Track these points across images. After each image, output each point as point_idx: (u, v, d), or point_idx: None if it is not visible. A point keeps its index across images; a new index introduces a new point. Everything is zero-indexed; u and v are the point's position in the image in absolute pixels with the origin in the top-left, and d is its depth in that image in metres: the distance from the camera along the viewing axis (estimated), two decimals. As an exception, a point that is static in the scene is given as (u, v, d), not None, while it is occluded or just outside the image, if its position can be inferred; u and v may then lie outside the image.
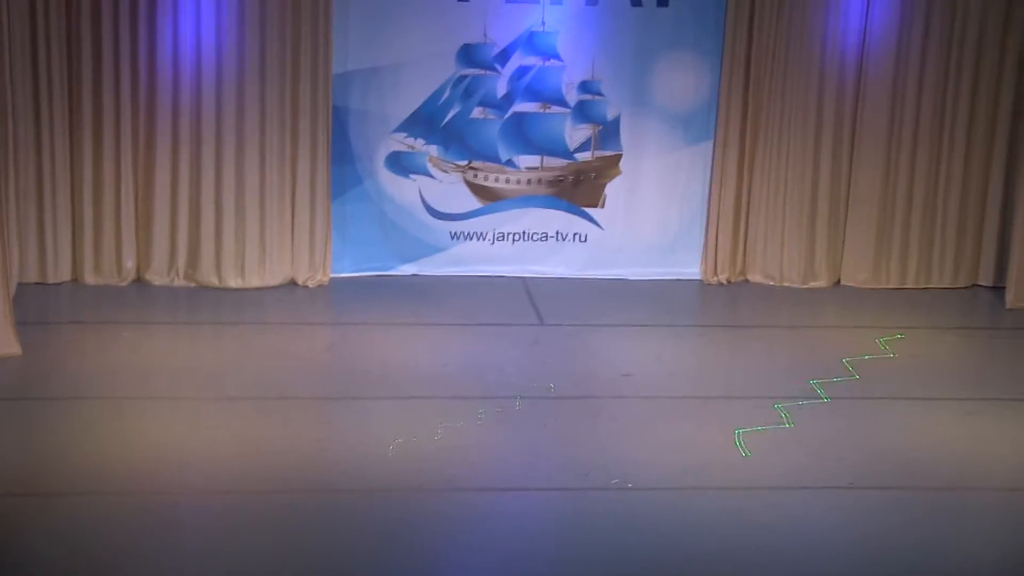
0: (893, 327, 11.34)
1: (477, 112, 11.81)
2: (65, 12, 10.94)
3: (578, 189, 12.08)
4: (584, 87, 11.86)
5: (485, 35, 11.64)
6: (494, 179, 11.97)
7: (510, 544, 7.90)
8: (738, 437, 9.07)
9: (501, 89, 11.78)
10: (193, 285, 11.54)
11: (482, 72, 11.73)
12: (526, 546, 7.89)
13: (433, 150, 11.84)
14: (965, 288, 12.31)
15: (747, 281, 12.23)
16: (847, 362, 10.52)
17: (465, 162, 11.91)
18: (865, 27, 11.75)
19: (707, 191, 12.10)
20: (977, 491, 8.68)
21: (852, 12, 11.72)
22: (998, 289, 12.14)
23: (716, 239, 12.12)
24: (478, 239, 12.08)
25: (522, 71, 11.77)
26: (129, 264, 11.50)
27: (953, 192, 12.09)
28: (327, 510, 8.15)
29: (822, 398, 9.86)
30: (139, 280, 11.53)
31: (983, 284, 12.34)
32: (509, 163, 11.94)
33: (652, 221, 12.22)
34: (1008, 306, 11.86)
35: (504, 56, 11.71)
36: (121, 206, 11.36)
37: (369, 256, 11.97)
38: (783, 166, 11.97)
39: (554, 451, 8.98)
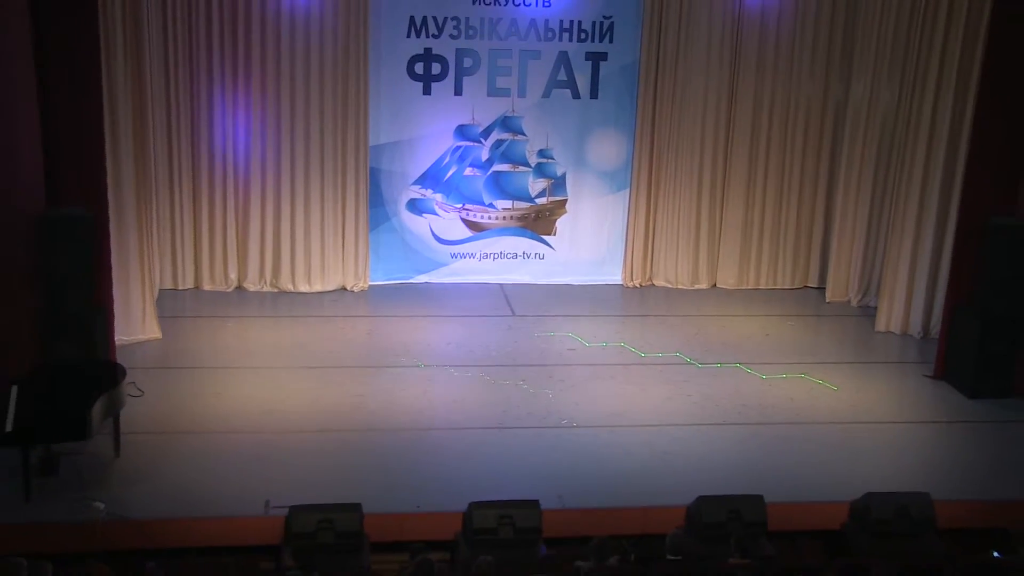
0: (753, 316, 11.40)
1: (468, 171, 11.77)
2: (190, 100, 10.91)
3: (538, 223, 12.07)
4: (541, 153, 11.83)
5: (473, 118, 11.64)
6: (480, 216, 11.96)
7: (494, 465, 7.99)
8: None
9: (484, 155, 11.74)
10: (276, 290, 11.48)
11: (471, 143, 11.72)
12: (505, 466, 7.98)
13: (439, 197, 11.80)
14: (799, 288, 12.27)
15: (653, 285, 12.18)
16: (722, 339, 10.60)
17: (461, 205, 11.89)
18: (731, 103, 11.71)
19: (625, 223, 12.08)
20: (808, 425, 8.79)
21: (722, 98, 11.68)
22: (821, 289, 12.12)
23: (632, 256, 12.10)
24: (469, 257, 12.03)
25: (499, 143, 11.73)
26: (232, 276, 11.46)
27: (791, 220, 12.10)
28: (365, 443, 8.22)
29: (701, 365, 9.93)
30: (239, 287, 11.48)
31: (812, 285, 12.31)
32: (491, 205, 11.91)
33: (588, 244, 12.19)
34: (827, 300, 11.87)
35: (486, 132, 11.68)
36: (227, 235, 11.34)
37: (395, 269, 11.90)
38: (677, 205, 11.96)
39: (523, 401, 9.03)
